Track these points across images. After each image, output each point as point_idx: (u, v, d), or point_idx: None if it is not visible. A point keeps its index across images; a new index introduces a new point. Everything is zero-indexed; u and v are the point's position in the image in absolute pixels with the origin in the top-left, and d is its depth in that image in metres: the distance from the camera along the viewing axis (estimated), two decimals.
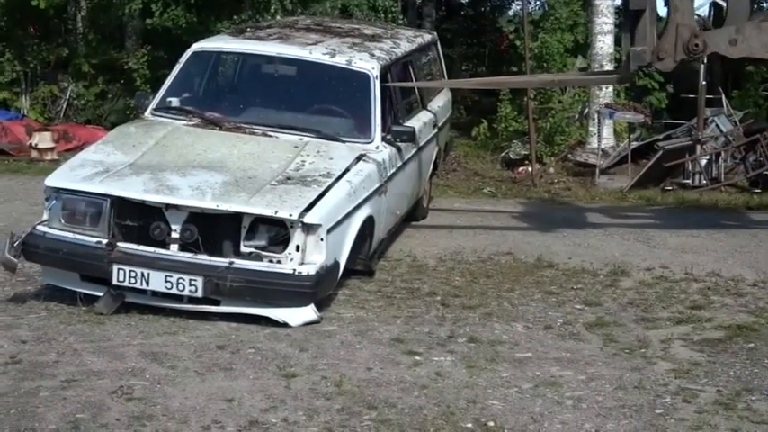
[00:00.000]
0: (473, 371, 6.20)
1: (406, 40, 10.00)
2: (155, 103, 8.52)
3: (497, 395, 5.85)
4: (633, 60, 8.66)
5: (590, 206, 12.01)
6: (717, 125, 13.96)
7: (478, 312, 7.38)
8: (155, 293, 6.87)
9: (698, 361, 6.53)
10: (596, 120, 14.51)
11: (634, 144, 14.28)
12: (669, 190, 12.86)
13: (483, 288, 8.02)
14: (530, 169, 13.95)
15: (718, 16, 15.37)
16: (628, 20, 8.66)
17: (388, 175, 8.18)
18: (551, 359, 6.48)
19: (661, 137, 14.28)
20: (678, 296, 7.96)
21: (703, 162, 13.22)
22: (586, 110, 15.28)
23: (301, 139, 7.95)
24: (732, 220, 10.90)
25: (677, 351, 6.72)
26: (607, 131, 14.82)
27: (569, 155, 14.79)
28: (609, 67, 15.06)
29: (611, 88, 15.15)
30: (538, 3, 20.27)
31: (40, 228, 7.14)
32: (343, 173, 7.51)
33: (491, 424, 5.47)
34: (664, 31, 8.62)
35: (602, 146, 14.33)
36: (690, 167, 13.18)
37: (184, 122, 8.23)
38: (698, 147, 13.22)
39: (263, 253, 6.88)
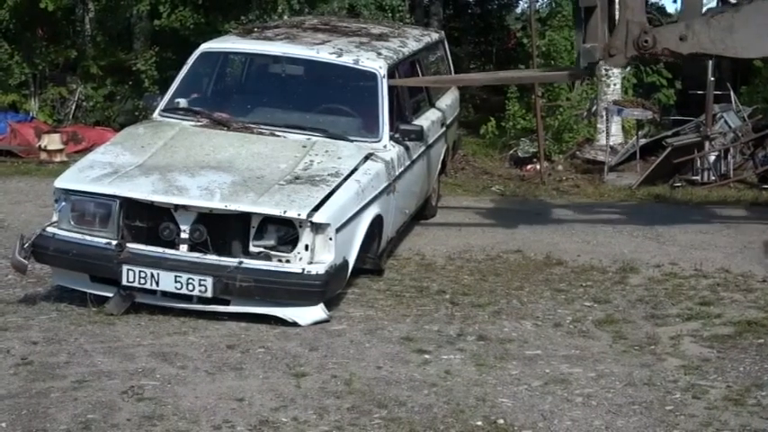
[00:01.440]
0: (482, 369, 6.21)
1: (414, 39, 10.01)
2: (163, 103, 8.53)
3: (507, 393, 5.85)
4: (583, 57, 8.69)
5: (599, 203, 12.00)
6: (725, 121, 13.94)
7: (488, 310, 7.38)
8: (164, 294, 6.88)
9: (708, 357, 6.53)
10: (604, 117, 14.51)
11: (642, 141, 14.28)
12: (678, 186, 12.85)
13: (492, 286, 8.02)
14: (538, 167, 13.95)
15: None
16: (579, 17, 8.68)
17: (397, 173, 8.19)
18: (561, 356, 6.48)
19: (669, 133, 14.27)
20: (687, 293, 7.95)
21: (712, 158, 13.22)
22: (594, 107, 15.28)
23: (309, 139, 7.96)
24: (741, 217, 10.87)
25: (687, 347, 6.72)
26: (615, 128, 14.83)
27: (578, 152, 14.79)
28: None
29: (619, 85, 15.17)
30: (545, 0, 20.25)
31: (50, 229, 7.15)
32: (352, 172, 7.51)
33: (501, 422, 5.47)
34: (615, 27, 8.65)
35: (611, 143, 14.33)
36: (698, 164, 13.18)
37: (193, 123, 8.25)
38: (706, 143, 13.21)
39: (272, 252, 6.90)
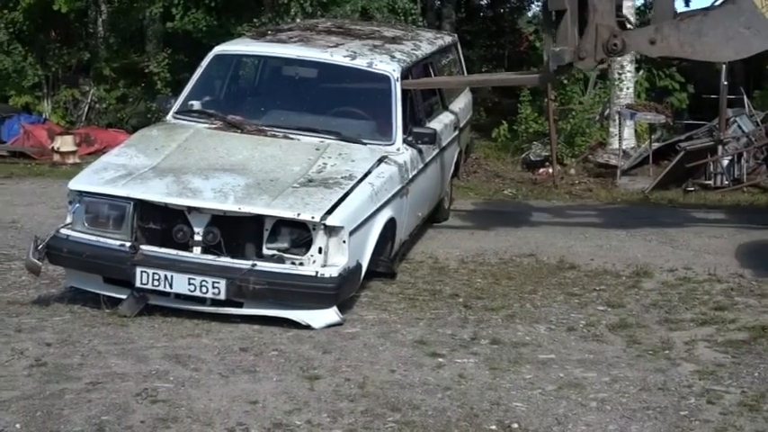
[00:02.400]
0: (496, 372, 6.19)
1: (427, 42, 10.01)
2: (177, 106, 8.54)
3: (521, 397, 5.84)
4: (553, 60, 8.70)
5: (611, 207, 11.98)
6: (738, 125, 13.89)
7: (501, 314, 7.37)
8: (178, 296, 6.89)
9: (722, 362, 6.50)
10: (617, 121, 14.48)
11: (655, 145, 14.25)
12: (691, 191, 12.82)
13: (505, 290, 8.01)
14: (550, 171, 13.94)
15: None
16: (549, 21, 8.71)
17: (410, 176, 8.18)
18: (575, 361, 6.46)
19: (682, 137, 14.24)
20: (701, 297, 7.92)
21: (725, 162, 13.18)
22: (607, 111, 15.25)
23: (322, 142, 7.96)
24: (754, 221, 10.84)
25: (701, 352, 6.69)
26: (628, 132, 14.80)
27: (590, 156, 14.76)
28: (629, 67, 15.05)
29: (632, 89, 15.14)
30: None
31: (64, 231, 7.16)
32: (365, 175, 7.51)
33: (515, 426, 5.46)
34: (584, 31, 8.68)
35: (624, 147, 14.30)
36: (712, 168, 13.14)
37: (206, 125, 8.26)
38: (720, 147, 13.18)
39: (286, 255, 6.89)
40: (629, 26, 9.32)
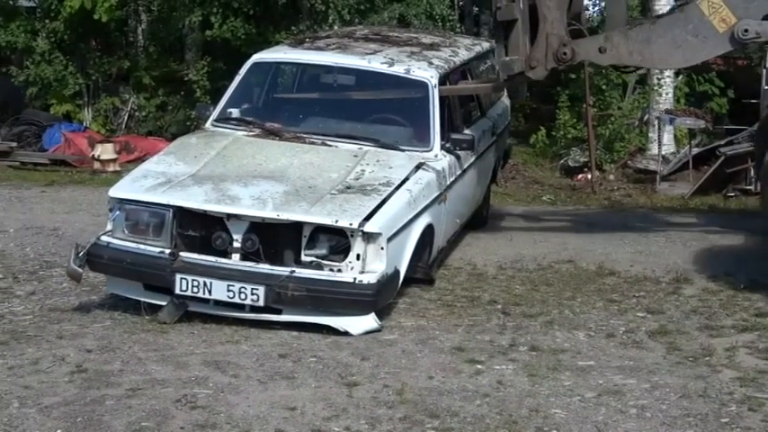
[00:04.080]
0: (535, 379, 6.17)
1: (465, 49, 9.99)
2: (215, 113, 8.59)
3: (560, 404, 5.81)
4: (502, 70, 8.75)
5: (651, 213, 11.91)
6: None
7: (539, 321, 7.35)
8: (217, 302, 6.91)
9: (763, 369, 6.43)
10: (656, 126, 14.40)
11: (695, 150, 14.15)
12: (731, 196, 12.71)
13: (544, 296, 7.98)
14: (589, 176, 13.88)
15: None
16: (501, 31, 8.72)
17: (448, 183, 8.18)
18: (614, 368, 6.43)
19: (722, 142, 14.11)
20: (742, 303, 7.85)
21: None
22: (646, 116, 15.17)
23: (360, 148, 7.97)
24: None
25: (742, 359, 6.63)
26: (667, 138, 14.71)
27: (629, 161, 14.69)
28: (669, 72, 14.94)
29: (671, 94, 15.05)
30: (596, 9, 20.11)
31: (104, 238, 7.21)
32: (403, 181, 7.51)
33: None
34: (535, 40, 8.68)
35: (663, 152, 14.21)
36: (752, 173, 13.01)
37: (245, 133, 8.29)
38: None
39: (324, 262, 6.90)
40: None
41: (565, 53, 8.57)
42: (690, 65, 9.80)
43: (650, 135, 14.85)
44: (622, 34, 8.64)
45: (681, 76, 16.16)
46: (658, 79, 14.79)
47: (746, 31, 8.34)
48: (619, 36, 8.65)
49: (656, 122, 14.44)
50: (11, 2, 17.07)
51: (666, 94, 14.94)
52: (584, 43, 8.73)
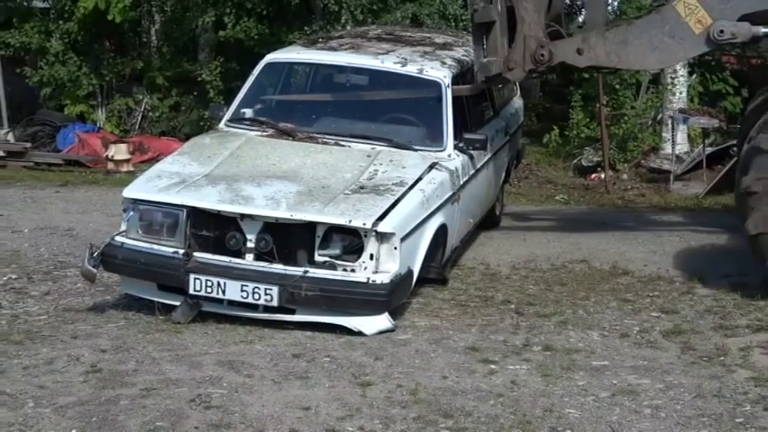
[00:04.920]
0: (549, 379, 6.16)
1: None
2: (229, 114, 8.60)
3: (574, 404, 5.80)
4: (480, 71, 8.75)
5: (665, 213, 11.88)
6: None
7: (553, 320, 7.34)
8: (231, 303, 6.93)
9: None
10: (670, 125, 14.38)
11: (709, 149, 14.12)
12: None
13: (557, 296, 7.97)
14: (602, 176, 13.87)
15: None
16: (479, 32, 8.71)
17: (461, 183, 8.18)
18: (628, 367, 6.42)
19: (736, 142, 14.08)
20: (757, 303, 7.82)
21: None
22: (660, 115, 15.14)
23: (374, 148, 7.98)
24: None
25: (757, 359, 6.61)
26: (681, 137, 14.68)
27: (643, 161, 14.66)
28: (682, 71, 14.92)
29: (685, 93, 15.01)
30: (608, 9, 20.09)
31: (119, 238, 7.24)
32: (416, 181, 7.51)
33: None
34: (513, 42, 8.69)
35: (677, 151, 14.19)
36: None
37: (258, 133, 8.31)
38: None
39: (338, 262, 6.91)
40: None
41: (542, 54, 8.58)
42: (665, 66, 9.78)
43: (664, 134, 14.82)
44: (599, 35, 8.65)
45: (694, 76, 16.14)
46: (672, 78, 14.76)
47: (722, 31, 8.35)
48: (596, 37, 8.65)
49: (669, 122, 14.41)
50: (25, 3, 17.14)
51: (680, 93, 14.91)
52: (561, 45, 8.73)
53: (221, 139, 8.24)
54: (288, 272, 6.85)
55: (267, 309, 6.88)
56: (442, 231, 7.75)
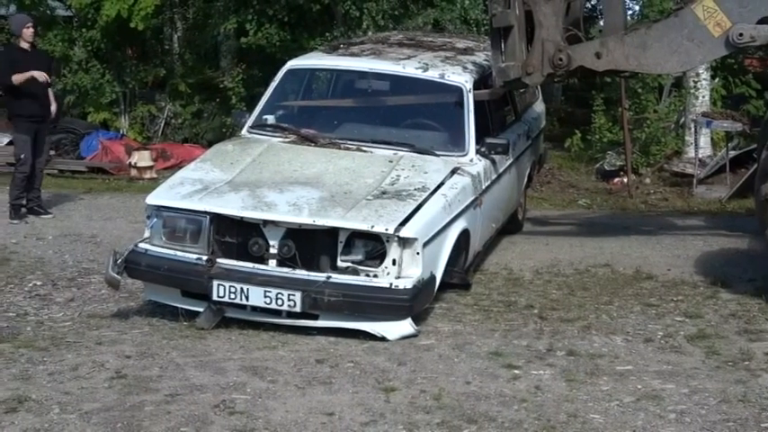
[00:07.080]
0: (573, 384, 6.14)
1: None
2: (251, 120, 8.63)
3: (598, 409, 5.78)
4: (498, 76, 8.73)
5: (688, 217, 11.84)
6: None
7: (577, 325, 7.32)
8: (254, 308, 6.94)
9: None
10: (693, 129, 14.32)
11: (732, 153, 14.05)
12: None
13: (581, 301, 7.95)
14: (625, 180, 13.82)
15: None
16: (497, 37, 8.70)
17: (483, 187, 8.17)
18: (652, 372, 6.39)
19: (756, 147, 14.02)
20: None
21: None
22: (683, 119, 15.09)
23: (396, 154, 7.98)
24: None
25: None
26: (704, 141, 14.62)
27: (666, 165, 14.61)
28: (705, 75, 14.87)
29: (707, 97, 14.95)
30: (630, 12, 20.04)
31: (142, 245, 7.26)
32: (438, 186, 7.51)
33: None
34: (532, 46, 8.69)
35: (700, 155, 14.13)
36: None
37: (280, 139, 8.33)
38: None
39: (360, 267, 6.91)
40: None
41: (561, 59, 8.57)
42: (684, 69, 9.74)
43: (687, 138, 14.78)
44: (618, 39, 8.64)
45: (717, 79, 16.07)
46: (694, 82, 14.71)
47: (741, 35, 8.32)
48: (614, 41, 8.64)
49: (692, 125, 14.36)
50: (48, 11, 17.26)
51: (703, 96, 14.86)
52: (579, 49, 8.72)
53: (244, 145, 8.27)
54: (311, 277, 6.85)
55: (290, 314, 6.89)
56: (464, 236, 7.75)
